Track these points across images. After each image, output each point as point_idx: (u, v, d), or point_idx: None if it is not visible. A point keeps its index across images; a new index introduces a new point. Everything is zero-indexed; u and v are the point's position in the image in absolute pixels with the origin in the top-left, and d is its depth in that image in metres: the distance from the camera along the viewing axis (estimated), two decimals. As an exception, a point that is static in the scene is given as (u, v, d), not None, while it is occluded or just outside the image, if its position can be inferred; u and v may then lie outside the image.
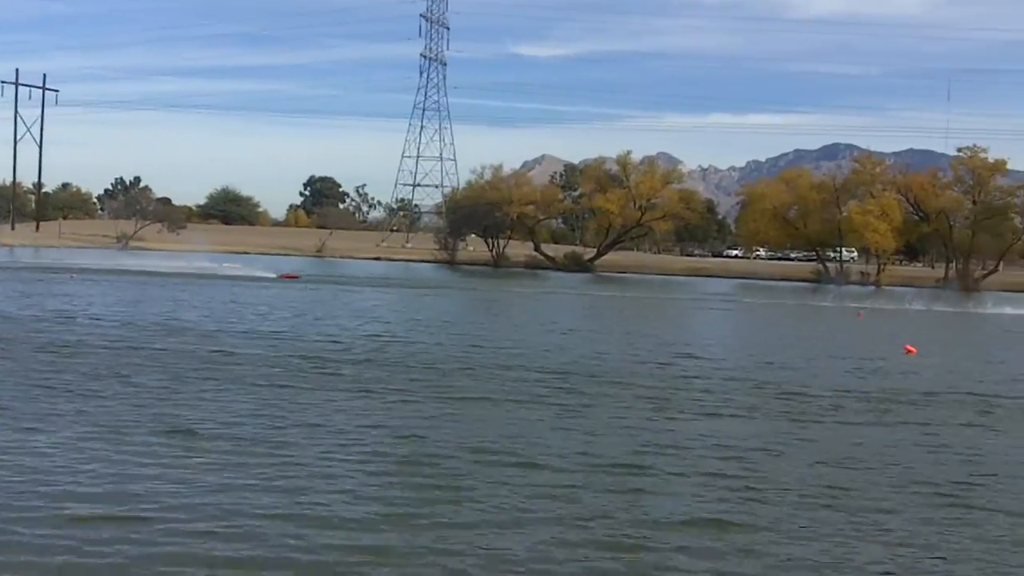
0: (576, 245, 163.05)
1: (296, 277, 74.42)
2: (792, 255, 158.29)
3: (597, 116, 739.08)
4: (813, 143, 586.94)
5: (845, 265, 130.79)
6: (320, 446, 16.04)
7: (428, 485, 13.91)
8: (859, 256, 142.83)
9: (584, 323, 47.74)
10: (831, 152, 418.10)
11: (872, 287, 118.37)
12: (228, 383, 22.01)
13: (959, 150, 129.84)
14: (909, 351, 36.89)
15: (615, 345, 35.17)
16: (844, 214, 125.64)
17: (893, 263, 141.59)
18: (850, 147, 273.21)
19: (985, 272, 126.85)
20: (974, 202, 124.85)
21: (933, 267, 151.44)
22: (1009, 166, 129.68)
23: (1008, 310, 73.22)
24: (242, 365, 24.91)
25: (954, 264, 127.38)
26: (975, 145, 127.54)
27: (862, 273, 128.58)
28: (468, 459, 15.46)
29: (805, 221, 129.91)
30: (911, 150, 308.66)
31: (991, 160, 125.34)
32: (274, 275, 73.91)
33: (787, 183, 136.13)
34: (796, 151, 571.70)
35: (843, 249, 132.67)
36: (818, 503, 13.84)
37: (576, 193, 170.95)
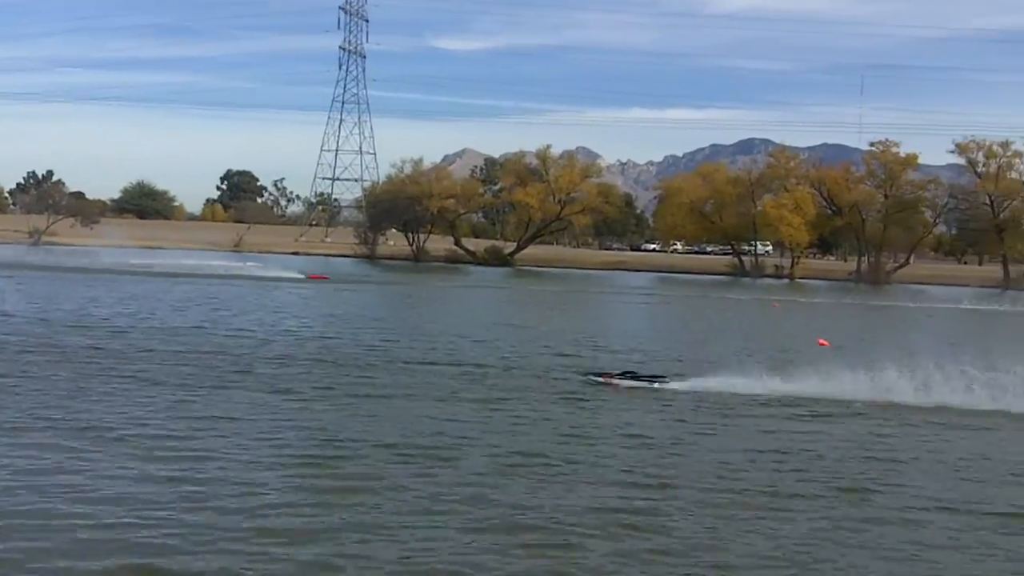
0: (496, 239, 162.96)
1: (326, 278, 73.92)
2: (708, 249, 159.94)
3: (517, 110, 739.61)
4: (729, 138, 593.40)
5: (760, 258, 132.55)
6: (235, 443, 15.99)
7: (343, 479, 13.94)
8: (774, 249, 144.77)
9: (503, 317, 47.89)
10: (747, 147, 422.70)
11: (786, 280, 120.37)
12: (144, 381, 21.81)
13: (871, 145, 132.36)
14: (822, 344, 37.57)
15: (534, 338, 35.38)
16: (759, 208, 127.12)
17: (807, 256, 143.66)
18: (765, 142, 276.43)
19: (897, 265, 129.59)
20: (886, 196, 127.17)
21: (846, 260, 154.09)
22: (920, 160, 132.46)
23: (920, 304, 75.17)
24: (156, 364, 24.70)
25: (866, 257, 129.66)
26: (887, 140, 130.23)
27: (776, 266, 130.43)
28: (385, 455, 15.49)
29: (721, 215, 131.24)
30: (825, 145, 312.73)
31: (903, 155, 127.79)
32: (302, 276, 73.36)
33: (703, 177, 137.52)
34: (712, 146, 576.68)
35: (758, 243, 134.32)
36: (722, 495, 14.19)
37: (496, 187, 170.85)
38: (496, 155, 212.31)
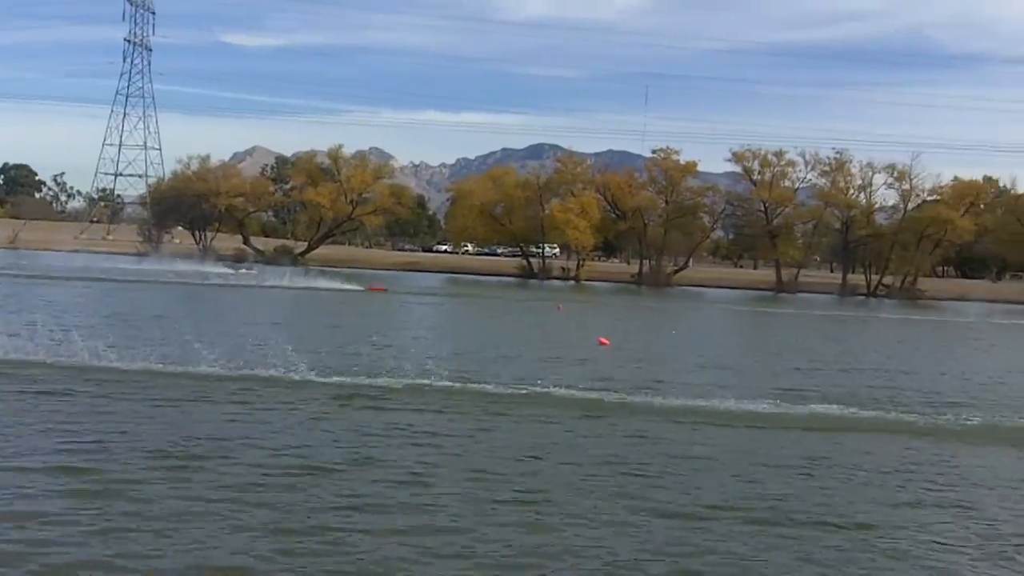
0: (287, 238, 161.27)
1: (384, 290, 74.08)
2: (499, 251, 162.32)
3: (310, 109, 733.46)
4: (520, 142, 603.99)
5: (547, 261, 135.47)
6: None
7: (103, 487, 13.98)
8: (561, 252, 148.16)
9: (282, 317, 47.76)
10: (536, 152, 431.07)
11: (573, 281, 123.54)
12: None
13: (653, 152, 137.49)
14: (602, 343, 39.04)
15: (311, 339, 35.46)
16: (547, 212, 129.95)
17: (592, 259, 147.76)
18: (554, 147, 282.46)
19: (676, 268, 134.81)
20: (667, 202, 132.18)
21: (629, 263, 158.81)
22: (700, 168, 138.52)
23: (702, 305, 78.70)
24: None
25: (648, 260, 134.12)
26: (668, 147, 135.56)
27: (563, 268, 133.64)
28: (147, 463, 15.40)
29: (510, 218, 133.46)
30: (611, 151, 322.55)
31: (683, 162, 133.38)
32: (360, 288, 73.41)
33: (494, 181, 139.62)
34: (504, 150, 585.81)
35: (546, 245, 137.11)
36: (492, 493, 15.02)
37: (287, 186, 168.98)
38: (288, 154, 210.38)
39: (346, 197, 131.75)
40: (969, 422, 22.98)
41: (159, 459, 15.39)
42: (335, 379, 24.28)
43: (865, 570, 11.97)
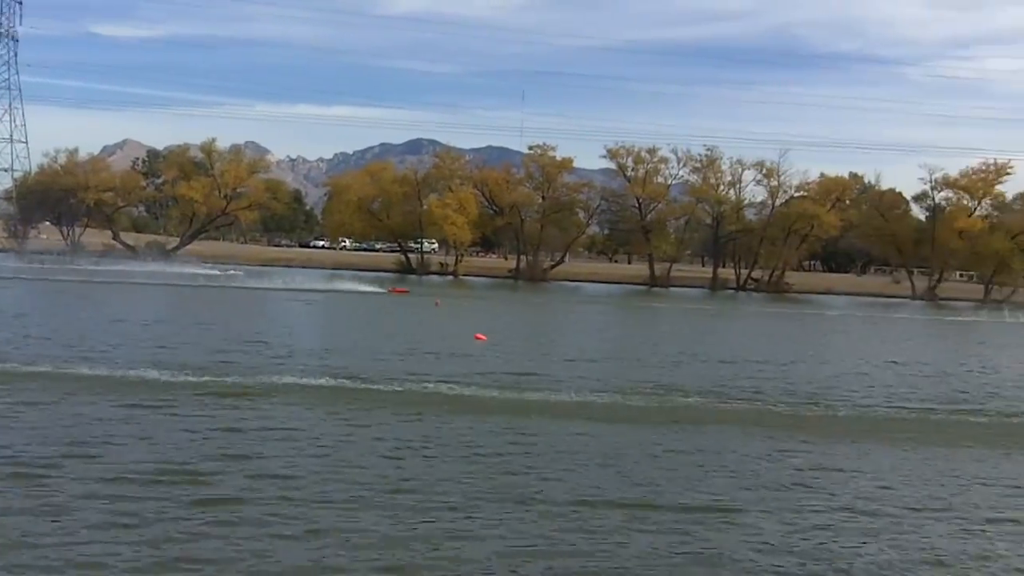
0: (159, 234, 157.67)
1: (407, 292, 76.17)
2: (377, 246, 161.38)
3: (183, 101, 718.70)
4: (399, 137, 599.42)
5: (426, 256, 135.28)
6: None
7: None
8: (439, 247, 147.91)
9: (151, 314, 46.96)
10: (415, 147, 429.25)
11: (451, 277, 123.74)
12: None
13: (530, 148, 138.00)
14: (479, 339, 39.37)
15: (188, 337, 35.01)
16: (425, 207, 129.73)
17: (470, 254, 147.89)
18: (433, 143, 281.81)
19: (553, 263, 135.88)
20: (543, 197, 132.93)
21: (506, 258, 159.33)
22: (576, 164, 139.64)
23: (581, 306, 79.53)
24: None
25: (525, 256, 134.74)
26: (545, 144, 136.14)
27: (442, 264, 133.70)
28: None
29: (388, 213, 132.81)
30: (489, 147, 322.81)
31: (559, 158, 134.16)
32: (384, 290, 75.20)
33: (372, 176, 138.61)
34: (382, 144, 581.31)
35: (424, 240, 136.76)
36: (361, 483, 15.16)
37: (159, 180, 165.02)
38: (160, 147, 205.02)
39: (220, 192, 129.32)
40: (835, 413, 23.93)
41: (16, 464, 15.17)
42: (205, 378, 24.10)
43: (731, 551, 12.49)
